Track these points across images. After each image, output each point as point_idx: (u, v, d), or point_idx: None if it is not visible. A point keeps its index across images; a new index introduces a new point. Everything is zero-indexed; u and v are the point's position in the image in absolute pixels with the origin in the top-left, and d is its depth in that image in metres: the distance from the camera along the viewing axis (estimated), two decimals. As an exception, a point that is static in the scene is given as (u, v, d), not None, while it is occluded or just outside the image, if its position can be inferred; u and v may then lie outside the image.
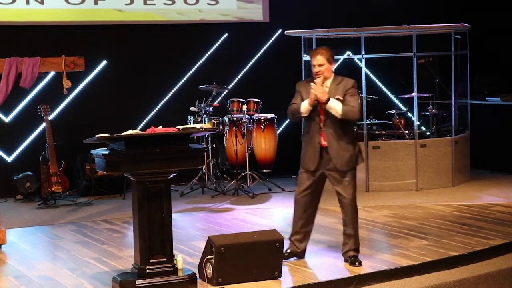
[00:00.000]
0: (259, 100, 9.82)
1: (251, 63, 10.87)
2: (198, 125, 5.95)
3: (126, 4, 10.16)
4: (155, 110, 10.41)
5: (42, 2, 9.73)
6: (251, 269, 5.67)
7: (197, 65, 10.64)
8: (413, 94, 9.69)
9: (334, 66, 6.13)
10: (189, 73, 10.58)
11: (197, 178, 9.74)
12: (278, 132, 10.19)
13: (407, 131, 9.78)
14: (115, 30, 10.18)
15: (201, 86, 9.85)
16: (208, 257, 5.62)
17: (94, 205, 9.11)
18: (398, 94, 10.92)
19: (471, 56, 10.13)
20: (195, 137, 9.24)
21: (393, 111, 10.15)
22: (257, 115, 9.83)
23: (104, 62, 10.11)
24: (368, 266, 6.04)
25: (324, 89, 6.00)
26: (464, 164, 10.00)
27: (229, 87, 10.40)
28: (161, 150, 5.50)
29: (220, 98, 10.35)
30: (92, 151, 5.70)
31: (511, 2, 11.18)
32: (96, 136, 5.48)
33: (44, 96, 9.62)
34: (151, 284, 5.49)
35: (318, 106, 6.02)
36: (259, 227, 7.48)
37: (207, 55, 10.68)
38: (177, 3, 10.41)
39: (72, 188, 9.71)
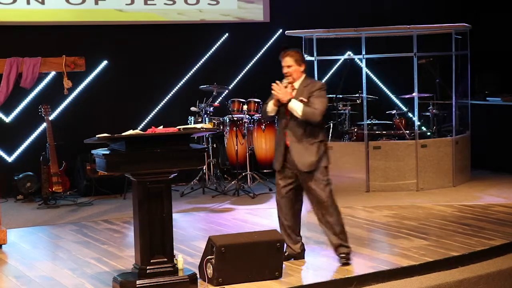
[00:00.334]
0: (259, 100, 9.81)
1: (251, 63, 10.87)
2: (198, 125, 5.94)
3: (126, 4, 10.17)
4: (155, 110, 10.41)
5: (42, 2, 9.73)
6: (252, 269, 5.67)
7: (198, 65, 10.64)
8: (413, 94, 9.69)
9: (303, 68, 6.15)
10: (190, 73, 10.59)
11: (197, 178, 9.74)
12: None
13: (407, 131, 9.78)
14: (116, 30, 10.18)
15: (201, 86, 9.85)
16: (209, 257, 5.62)
17: (94, 205, 9.11)
18: (399, 94, 10.92)
19: (471, 56, 10.12)
20: (195, 137, 9.24)
21: (394, 111, 10.15)
22: (258, 115, 9.83)
23: (104, 62, 10.12)
24: (368, 266, 6.04)
25: (286, 90, 6.06)
26: (465, 164, 10.00)
27: (230, 87, 10.41)
28: (161, 150, 5.50)
29: (220, 98, 10.35)
30: (93, 151, 5.70)
31: (511, 2, 11.18)
32: (97, 136, 5.48)
33: (45, 96, 9.62)
34: (152, 284, 5.49)
35: (284, 107, 6.08)
36: (260, 227, 7.48)
37: (207, 55, 10.69)
38: (178, 3, 10.41)
39: (73, 188, 9.71)
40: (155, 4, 10.30)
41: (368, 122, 9.84)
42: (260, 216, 8.20)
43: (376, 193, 9.37)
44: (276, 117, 6.32)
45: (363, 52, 9.70)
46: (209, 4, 10.59)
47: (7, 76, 7.01)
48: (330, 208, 6.14)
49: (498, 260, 6.39)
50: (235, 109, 9.84)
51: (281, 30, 10.84)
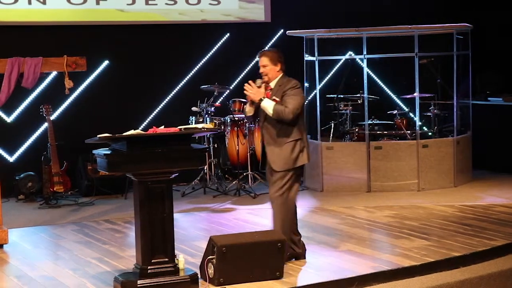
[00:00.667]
0: (261, 100, 9.79)
1: (252, 63, 10.85)
2: (200, 125, 5.94)
3: (128, 4, 10.16)
4: (156, 110, 10.41)
5: (44, 2, 9.73)
6: (253, 269, 5.67)
7: (199, 65, 10.64)
8: (415, 94, 9.69)
9: (279, 68, 6.15)
10: (191, 73, 10.59)
11: (198, 178, 9.74)
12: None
13: (408, 132, 9.77)
14: (117, 30, 10.18)
15: (202, 86, 9.85)
16: (210, 257, 5.62)
17: (96, 205, 9.11)
18: (400, 95, 10.92)
19: (473, 56, 10.12)
20: (196, 137, 9.24)
21: (395, 112, 10.15)
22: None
23: (106, 62, 10.12)
24: (369, 266, 6.04)
25: (258, 90, 6.09)
26: (466, 164, 9.99)
27: (231, 87, 10.40)
28: (162, 150, 5.50)
29: (221, 98, 10.35)
30: (94, 151, 5.70)
31: (513, 1, 11.18)
32: (98, 136, 5.48)
33: (46, 96, 9.63)
34: (153, 284, 5.49)
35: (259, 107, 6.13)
36: (261, 227, 7.47)
37: (209, 55, 10.68)
38: (179, 3, 10.41)
39: (74, 188, 9.71)
40: (156, 4, 10.30)
41: (369, 122, 9.83)
42: (261, 216, 8.20)
43: (377, 193, 9.37)
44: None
45: (364, 52, 9.70)
46: (210, 4, 10.59)
47: (9, 76, 7.01)
48: (277, 208, 6.15)
49: (500, 261, 6.38)
50: (236, 109, 9.84)
51: (282, 30, 10.83)
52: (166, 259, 5.57)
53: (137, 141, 5.50)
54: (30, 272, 6.20)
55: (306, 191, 9.71)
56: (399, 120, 9.99)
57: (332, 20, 10.56)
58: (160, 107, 10.43)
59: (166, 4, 10.35)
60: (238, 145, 9.60)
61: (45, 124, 9.40)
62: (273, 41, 10.98)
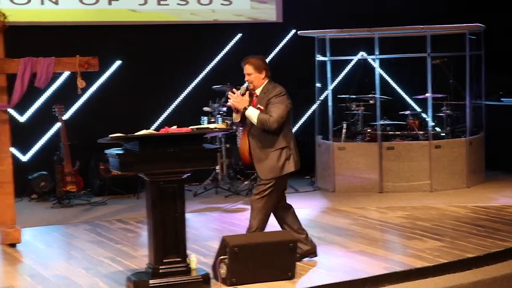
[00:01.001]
0: (272, 101, 9.78)
1: (264, 63, 10.86)
2: (212, 125, 5.95)
3: (139, 5, 10.19)
4: (168, 110, 10.42)
5: (56, 3, 9.77)
6: (265, 269, 5.66)
7: (211, 65, 10.65)
8: (427, 95, 9.65)
9: (263, 75, 6.06)
10: (203, 73, 10.59)
11: (210, 178, 9.74)
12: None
13: (421, 132, 9.74)
14: (129, 30, 10.21)
15: (214, 86, 9.85)
16: (222, 257, 5.62)
17: (108, 205, 9.13)
18: (413, 95, 10.88)
19: (485, 56, 10.08)
20: (208, 138, 9.24)
21: (407, 112, 10.12)
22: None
23: (118, 62, 10.14)
24: (382, 267, 6.02)
25: (242, 98, 6.03)
26: (479, 165, 9.95)
27: (243, 87, 10.39)
28: (174, 150, 5.50)
29: (233, 98, 10.33)
30: (106, 151, 5.71)
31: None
32: (110, 136, 5.48)
33: (59, 96, 9.66)
34: (165, 283, 5.49)
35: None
36: (273, 227, 7.45)
37: (220, 55, 10.69)
38: (191, 3, 10.42)
39: (87, 188, 9.74)
40: (168, 4, 10.32)
41: (382, 122, 9.81)
42: (273, 217, 8.17)
43: (389, 194, 9.34)
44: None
45: (377, 53, 9.68)
46: (222, 4, 10.59)
47: (22, 76, 7.03)
48: (254, 211, 6.11)
49: (513, 262, 6.36)
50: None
51: (294, 30, 10.82)
52: (178, 259, 5.57)
53: (149, 141, 5.51)
54: (43, 271, 6.22)
55: (318, 192, 9.70)
56: (412, 121, 9.95)
57: (344, 20, 10.53)
58: (172, 107, 10.44)
59: (178, 4, 10.37)
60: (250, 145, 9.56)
61: (58, 124, 9.44)
62: (284, 41, 10.97)
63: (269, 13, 10.85)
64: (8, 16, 7.11)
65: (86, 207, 9.05)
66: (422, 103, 10.43)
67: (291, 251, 5.74)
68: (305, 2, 11.00)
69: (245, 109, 6.01)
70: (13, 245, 7.06)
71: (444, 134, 9.97)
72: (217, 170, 9.68)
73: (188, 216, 5.78)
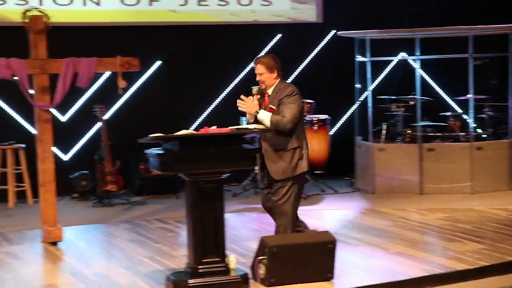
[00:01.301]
0: (312, 101, 9.77)
1: (304, 64, 10.85)
2: (251, 126, 5.94)
3: (180, 5, 10.25)
4: (208, 110, 10.47)
5: (98, 3, 9.88)
6: (304, 270, 5.65)
7: (250, 65, 10.65)
8: (469, 96, 9.55)
9: (275, 75, 6.04)
10: (242, 74, 10.61)
11: (249, 178, 9.75)
12: (331, 133, 10.15)
13: (462, 133, 9.63)
14: (169, 30, 10.27)
15: (253, 87, 9.83)
16: (261, 257, 5.62)
17: (148, 204, 9.20)
18: (454, 96, 10.77)
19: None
20: (248, 138, 9.24)
21: (448, 113, 10.01)
22: (310, 116, 9.79)
23: (158, 63, 10.21)
24: (422, 269, 5.97)
25: (251, 103, 5.99)
26: (521, 167, 9.81)
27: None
28: (214, 150, 5.51)
29: (273, 99, 10.33)
30: (146, 151, 5.75)
31: None
32: (150, 135, 5.52)
33: (99, 96, 9.76)
34: (204, 283, 5.51)
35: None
36: (312, 228, 7.44)
37: (260, 55, 10.68)
38: (231, 4, 10.46)
39: (127, 187, 9.82)
40: (208, 5, 10.36)
41: (422, 123, 9.72)
42: (312, 217, 8.16)
43: (429, 196, 9.26)
44: None
45: (417, 53, 9.59)
46: (261, 4, 10.60)
47: (64, 76, 7.12)
48: (277, 216, 6.07)
49: (556, 266, 6.25)
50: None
51: (334, 31, 10.78)
52: (218, 259, 5.58)
53: (189, 141, 5.53)
54: (84, 270, 6.28)
55: (357, 193, 9.66)
56: (453, 122, 9.85)
57: (384, 21, 10.47)
58: (211, 107, 10.48)
59: (218, 4, 10.40)
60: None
61: (99, 124, 9.54)
62: (324, 42, 10.94)
63: (309, 13, 10.83)
64: (51, 17, 7.20)
65: (126, 206, 9.13)
66: (463, 105, 10.31)
67: (330, 252, 5.72)
68: (345, 2, 10.95)
69: (257, 113, 5.98)
70: (54, 243, 7.15)
71: (486, 136, 9.84)
72: (256, 171, 9.69)
73: (227, 216, 5.80)
